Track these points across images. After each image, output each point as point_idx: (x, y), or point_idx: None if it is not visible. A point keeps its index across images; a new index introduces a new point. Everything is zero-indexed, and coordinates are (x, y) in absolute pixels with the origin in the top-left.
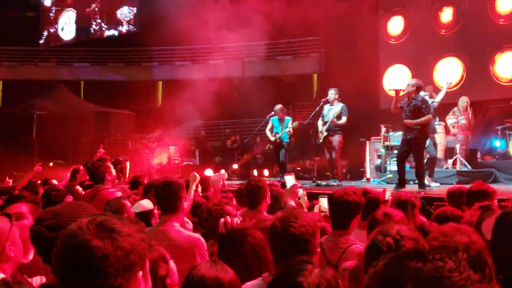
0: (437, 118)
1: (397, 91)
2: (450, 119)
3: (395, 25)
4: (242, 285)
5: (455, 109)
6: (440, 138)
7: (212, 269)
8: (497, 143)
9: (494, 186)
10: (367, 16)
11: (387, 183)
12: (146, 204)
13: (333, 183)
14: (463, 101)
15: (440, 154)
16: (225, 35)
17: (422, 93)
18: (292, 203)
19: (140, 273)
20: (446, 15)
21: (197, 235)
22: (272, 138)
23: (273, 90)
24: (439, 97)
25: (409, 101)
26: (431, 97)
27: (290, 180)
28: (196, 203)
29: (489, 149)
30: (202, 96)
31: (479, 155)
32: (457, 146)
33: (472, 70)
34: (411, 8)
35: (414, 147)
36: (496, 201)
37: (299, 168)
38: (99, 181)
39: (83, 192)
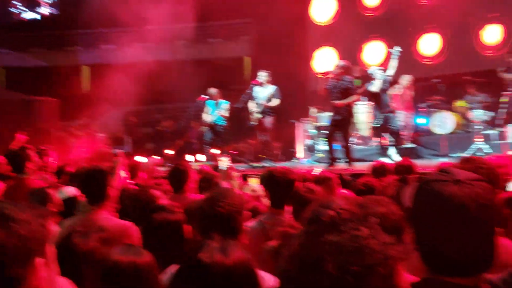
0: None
1: (324, 73)
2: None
3: (323, 8)
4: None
5: (397, 86)
6: (366, 116)
7: (127, 253)
8: (421, 120)
9: (418, 161)
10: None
11: (319, 162)
12: (71, 190)
13: (267, 165)
14: (406, 79)
15: (366, 132)
16: (154, 17)
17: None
18: (227, 185)
19: (40, 260)
20: None
21: (128, 223)
22: (206, 121)
23: (205, 73)
24: (391, 70)
25: (337, 83)
26: (357, 78)
27: (224, 163)
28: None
29: (413, 125)
30: (131, 81)
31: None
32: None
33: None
34: None
35: (342, 127)
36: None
37: (234, 151)
38: (20, 170)
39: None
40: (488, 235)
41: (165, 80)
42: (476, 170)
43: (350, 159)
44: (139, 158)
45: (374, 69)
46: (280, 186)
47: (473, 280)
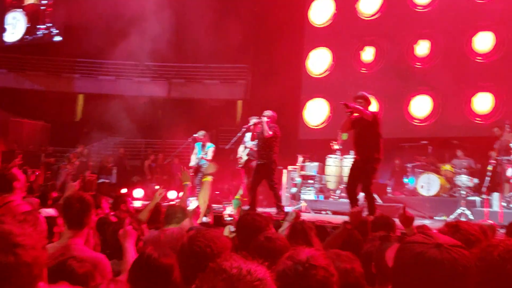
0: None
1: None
2: None
3: (318, 61)
4: None
5: None
6: (336, 170)
7: None
8: (406, 180)
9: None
10: (291, 50)
11: (301, 211)
12: (51, 211)
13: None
14: None
15: (334, 185)
16: (153, 53)
17: None
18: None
19: (43, 284)
20: (367, 54)
21: (101, 255)
22: (191, 163)
23: (197, 113)
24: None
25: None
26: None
27: (194, 202)
28: (104, 220)
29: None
30: (124, 113)
31: (389, 189)
32: None
33: (387, 110)
34: (336, 44)
35: (264, 174)
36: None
37: (218, 192)
38: (6, 190)
39: None
40: None
41: (159, 116)
42: (458, 236)
43: (278, 207)
44: (123, 190)
45: None
46: (247, 229)
47: None
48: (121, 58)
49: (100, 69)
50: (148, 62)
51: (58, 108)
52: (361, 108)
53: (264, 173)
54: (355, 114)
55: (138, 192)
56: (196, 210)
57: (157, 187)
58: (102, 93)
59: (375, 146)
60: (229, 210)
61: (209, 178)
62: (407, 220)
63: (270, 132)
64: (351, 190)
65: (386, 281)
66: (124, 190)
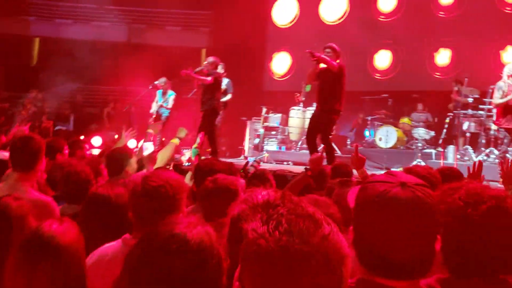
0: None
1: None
2: None
3: (284, 10)
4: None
5: None
6: (299, 121)
7: (52, 228)
8: (367, 133)
9: None
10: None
11: (263, 162)
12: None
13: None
14: None
15: (296, 137)
16: None
17: None
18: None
19: None
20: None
21: (48, 198)
22: (151, 110)
23: (159, 60)
24: None
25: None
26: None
27: (149, 146)
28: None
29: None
30: (83, 59)
31: (348, 141)
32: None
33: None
34: None
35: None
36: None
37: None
38: None
39: None
40: (427, 240)
41: (119, 62)
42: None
43: (213, 151)
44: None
45: None
46: (204, 173)
47: (408, 284)
48: (79, 1)
49: (57, 12)
50: (108, 6)
51: (12, 51)
52: (327, 58)
53: (207, 120)
54: (322, 65)
55: (96, 140)
56: (152, 156)
57: (116, 136)
58: (59, 37)
59: (337, 98)
60: (188, 155)
61: (176, 141)
62: (358, 161)
63: (209, 79)
64: (310, 140)
65: (348, 223)
66: (81, 137)
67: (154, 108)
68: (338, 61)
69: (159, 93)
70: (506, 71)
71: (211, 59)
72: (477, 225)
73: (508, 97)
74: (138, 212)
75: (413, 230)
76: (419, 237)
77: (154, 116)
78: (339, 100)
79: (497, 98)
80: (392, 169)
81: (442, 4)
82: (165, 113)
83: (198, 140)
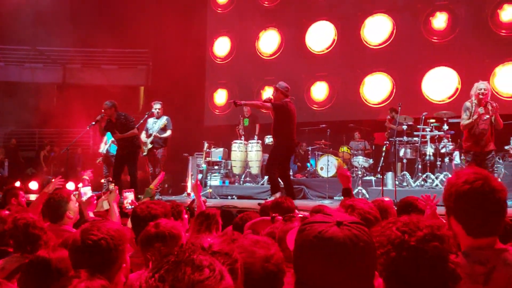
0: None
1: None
2: (268, 139)
3: (222, 46)
4: None
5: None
6: (258, 155)
7: None
8: (308, 163)
9: (303, 202)
10: (195, 35)
11: (207, 197)
12: None
13: (158, 198)
14: None
15: (257, 170)
16: (47, 38)
17: None
18: (91, 214)
19: None
20: (269, 40)
21: None
22: (100, 150)
23: (96, 100)
24: None
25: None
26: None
27: (87, 191)
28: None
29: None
30: (16, 101)
31: (291, 172)
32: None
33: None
34: (238, 30)
35: (127, 161)
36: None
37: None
38: None
39: None
40: (366, 277)
41: (54, 103)
42: (355, 214)
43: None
44: (17, 183)
45: None
46: (140, 219)
47: None
48: (10, 43)
49: None
50: (41, 47)
51: None
52: (249, 102)
53: (130, 160)
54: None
55: (33, 185)
56: (90, 200)
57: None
58: None
59: (281, 133)
60: (130, 198)
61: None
62: (344, 178)
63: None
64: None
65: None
66: (17, 184)
67: (102, 148)
68: (286, 99)
69: (108, 135)
70: (472, 91)
71: (109, 103)
72: (413, 249)
73: (475, 117)
74: (77, 266)
75: (352, 269)
76: (357, 275)
77: (102, 157)
78: (283, 134)
79: (464, 120)
80: (334, 198)
81: (372, 44)
82: (113, 151)
83: (156, 181)
